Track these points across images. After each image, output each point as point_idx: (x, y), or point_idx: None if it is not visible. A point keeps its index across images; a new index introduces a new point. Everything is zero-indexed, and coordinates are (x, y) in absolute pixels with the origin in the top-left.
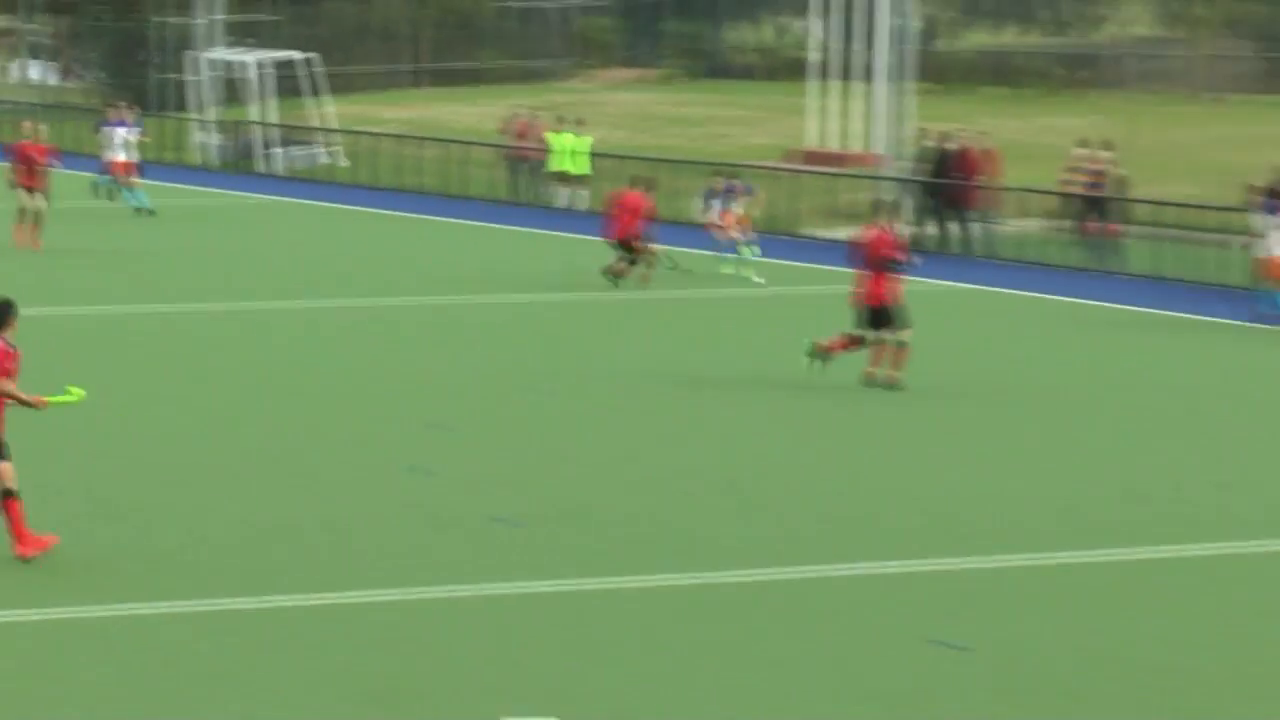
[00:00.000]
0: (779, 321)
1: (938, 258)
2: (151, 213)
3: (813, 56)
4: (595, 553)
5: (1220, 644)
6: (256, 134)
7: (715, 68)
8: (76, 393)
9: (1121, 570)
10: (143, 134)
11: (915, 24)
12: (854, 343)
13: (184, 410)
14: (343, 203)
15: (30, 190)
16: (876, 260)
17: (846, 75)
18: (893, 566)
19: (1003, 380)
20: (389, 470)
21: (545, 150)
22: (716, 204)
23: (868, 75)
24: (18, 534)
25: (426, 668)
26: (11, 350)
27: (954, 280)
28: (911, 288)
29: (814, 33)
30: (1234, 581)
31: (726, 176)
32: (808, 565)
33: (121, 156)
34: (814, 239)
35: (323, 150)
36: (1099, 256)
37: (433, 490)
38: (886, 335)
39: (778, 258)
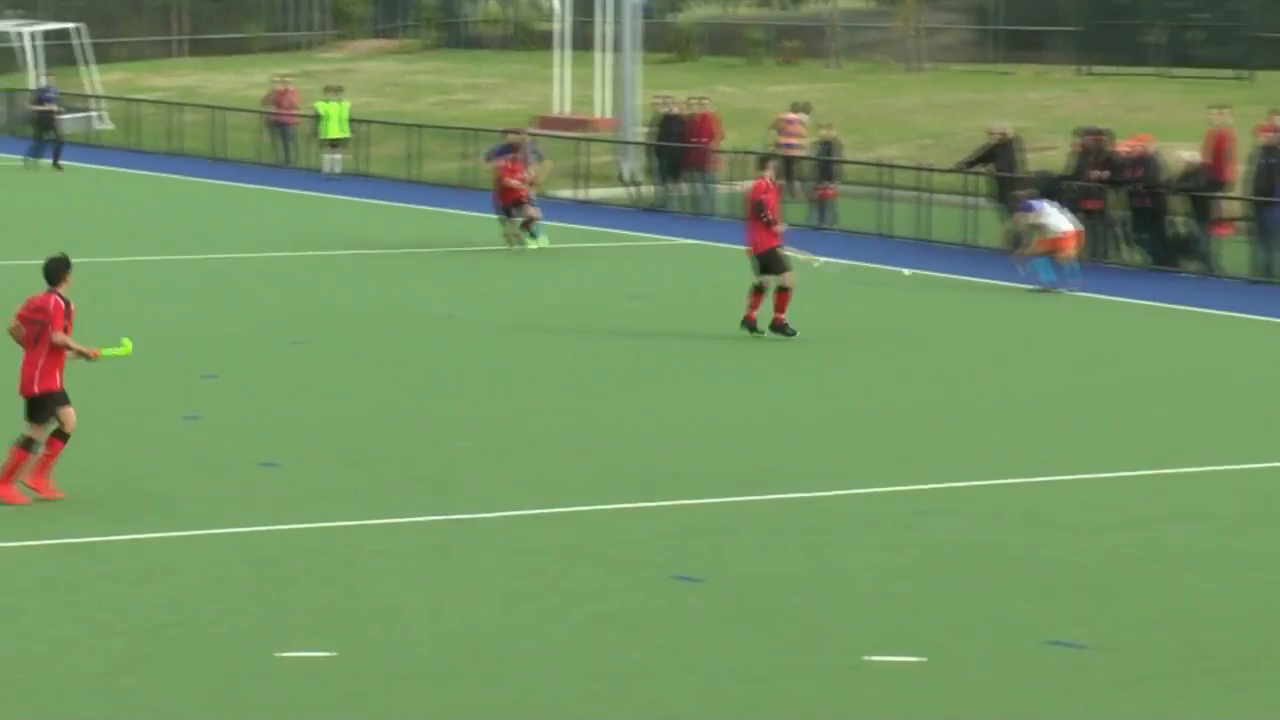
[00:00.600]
0: (539, 273)
1: (670, 216)
2: None
3: (555, 27)
4: (356, 492)
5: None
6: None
7: (463, 38)
8: (127, 344)
9: (845, 503)
10: None
11: None
12: (759, 294)
13: None
14: (112, 165)
15: None
16: (753, 208)
17: (585, 45)
18: (640, 505)
19: (734, 327)
20: (164, 418)
21: (306, 116)
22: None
23: (604, 45)
24: (41, 471)
25: (196, 602)
26: (67, 304)
27: (684, 236)
28: (652, 243)
29: (555, 5)
30: (944, 514)
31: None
32: (560, 506)
33: None
34: (561, 199)
35: (95, 115)
36: (817, 214)
37: (203, 436)
38: (770, 280)
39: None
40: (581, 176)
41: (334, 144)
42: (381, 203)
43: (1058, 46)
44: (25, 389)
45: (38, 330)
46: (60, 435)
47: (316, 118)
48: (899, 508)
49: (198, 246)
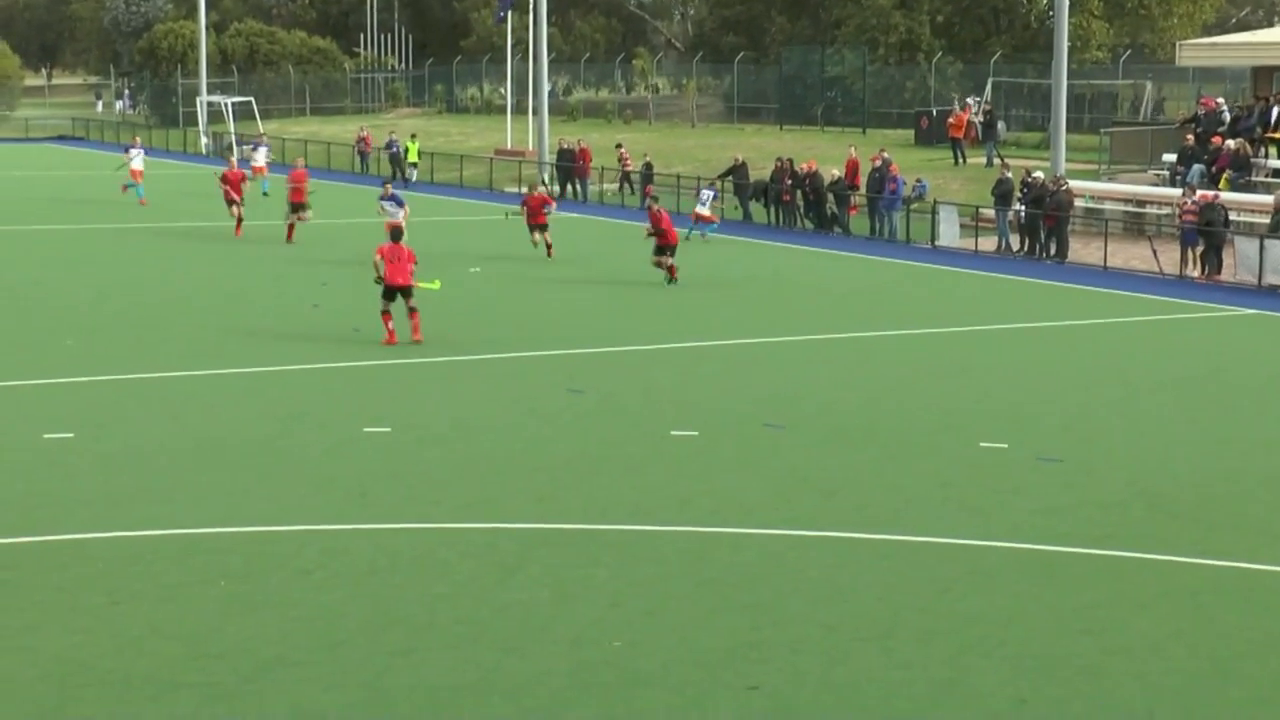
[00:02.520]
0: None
1: (565, 203)
2: None
3: (506, 102)
4: None
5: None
6: (229, 137)
7: (456, 107)
8: (437, 284)
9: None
10: None
11: None
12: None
13: None
14: (277, 171)
15: None
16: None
17: (522, 111)
18: None
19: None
20: None
21: (377, 148)
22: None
23: (532, 111)
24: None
25: None
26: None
27: (570, 213)
28: (559, 217)
29: (505, 92)
30: None
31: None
32: None
33: None
34: (510, 192)
35: (265, 147)
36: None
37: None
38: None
39: None
40: (519, 181)
41: (413, 165)
42: (441, 197)
43: (767, 114)
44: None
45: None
46: None
47: (405, 150)
48: None
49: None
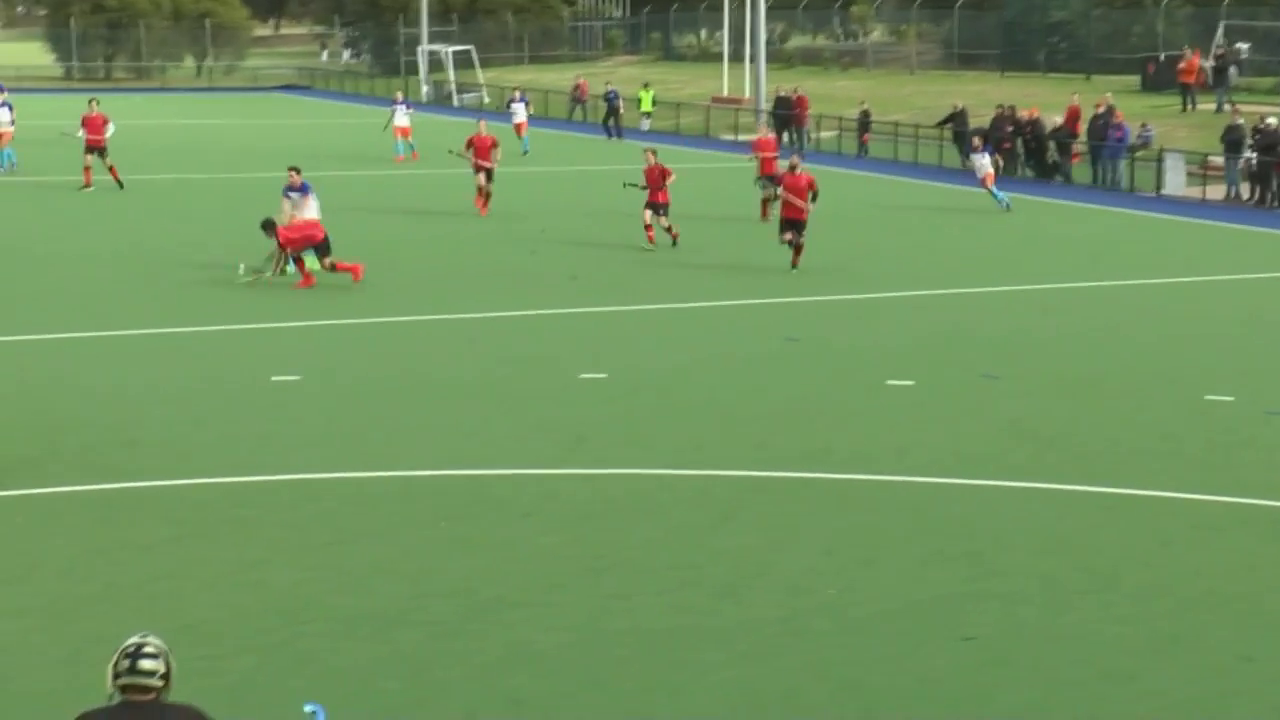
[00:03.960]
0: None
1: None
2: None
3: (723, 49)
4: None
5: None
6: (450, 86)
7: (673, 55)
8: None
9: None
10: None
11: None
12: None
13: None
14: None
15: None
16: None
17: (738, 59)
18: None
19: None
20: None
21: (594, 96)
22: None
23: (748, 59)
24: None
25: None
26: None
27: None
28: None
29: (723, 36)
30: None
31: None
32: None
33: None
34: (724, 140)
35: (481, 94)
36: (861, 150)
37: None
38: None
39: None
40: (735, 129)
41: (647, 114)
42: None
43: (988, 61)
44: None
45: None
46: None
47: (637, 100)
48: None
49: None
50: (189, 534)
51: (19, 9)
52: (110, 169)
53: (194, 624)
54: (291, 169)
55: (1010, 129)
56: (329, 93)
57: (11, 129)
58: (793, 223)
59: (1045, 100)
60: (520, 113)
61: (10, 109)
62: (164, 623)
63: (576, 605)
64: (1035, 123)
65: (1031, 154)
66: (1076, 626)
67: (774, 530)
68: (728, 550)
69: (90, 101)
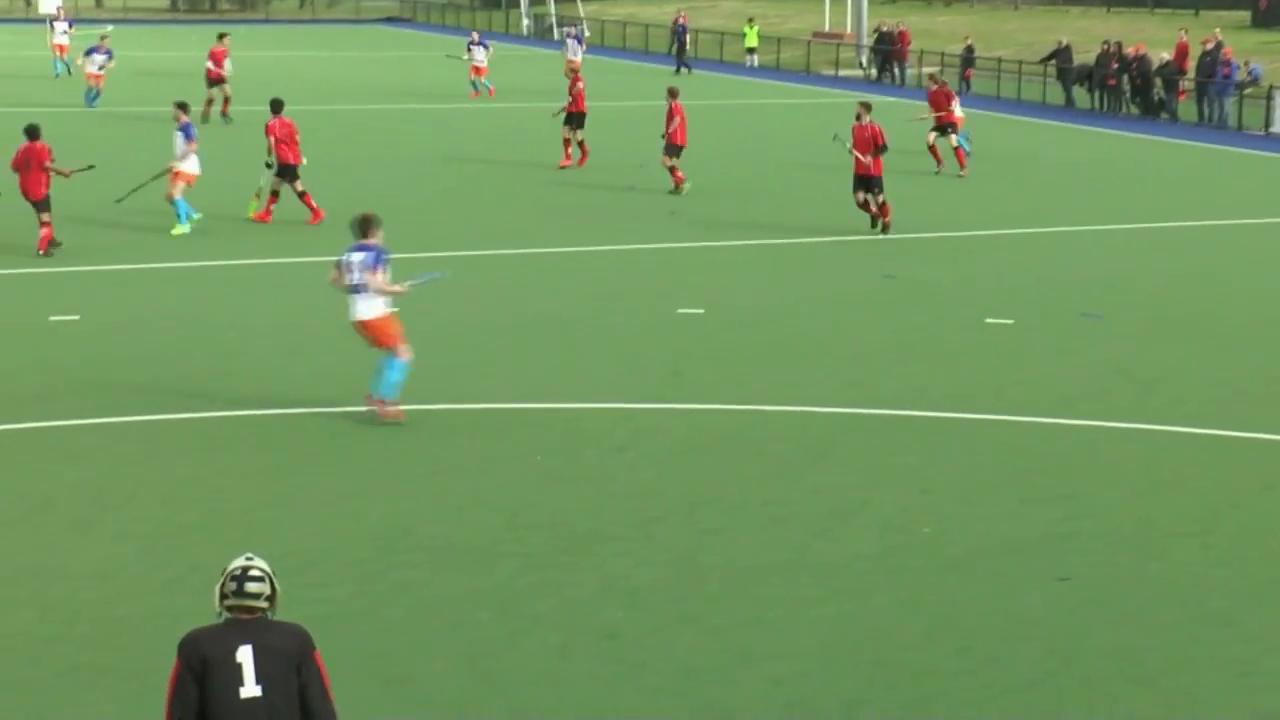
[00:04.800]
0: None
1: (882, 86)
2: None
3: None
4: None
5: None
6: (550, 20)
7: None
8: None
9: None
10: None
11: None
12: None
13: None
14: (590, 54)
15: None
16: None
17: None
18: None
19: None
20: None
21: (701, 29)
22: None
23: None
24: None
25: None
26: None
27: (889, 96)
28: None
29: None
30: None
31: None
32: None
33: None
34: (825, 75)
35: (583, 27)
36: (964, 87)
37: None
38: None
39: None
40: (835, 64)
41: (751, 50)
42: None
43: None
44: None
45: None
46: None
47: (742, 34)
48: None
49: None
50: (287, 463)
51: None
52: (225, 101)
53: (291, 553)
54: (177, 104)
55: (1116, 66)
56: (430, 25)
57: (101, 72)
58: (862, 180)
59: (1152, 36)
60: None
61: (109, 56)
62: (262, 551)
63: (671, 540)
64: (1142, 59)
65: (1137, 91)
66: (1173, 569)
67: (870, 468)
68: (823, 487)
69: (221, 37)
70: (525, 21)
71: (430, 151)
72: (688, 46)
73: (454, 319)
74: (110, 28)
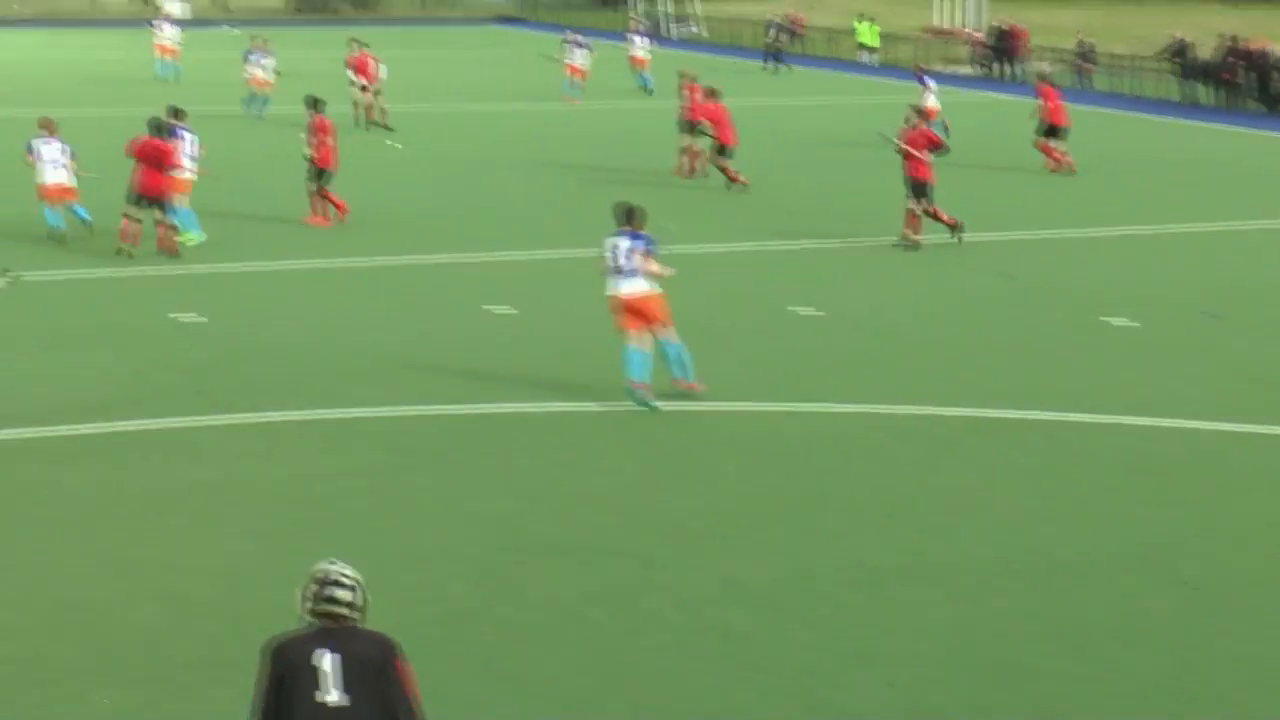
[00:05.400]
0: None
1: (996, 82)
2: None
3: None
4: None
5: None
6: (664, 17)
7: None
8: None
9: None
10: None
11: None
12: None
13: None
14: (705, 52)
15: None
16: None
17: None
18: None
19: None
20: None
21: (809, 28)
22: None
23: None
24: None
25: None
26: None
27: (1002, 92)
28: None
29: None
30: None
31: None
32: None
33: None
34: (935, 71)
35: (696, 25)
36: (1079, 79)
37: None
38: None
39: None
40: (947, 60)
41: (865, 48)
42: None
43: None
44: None
45: None
46: None
47: (852, 31)
48: None
49: None
50: (402, 462)
51: None
52: (369, 110)
53: (406, 550)
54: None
55: (1236, 60)
56: (544, 25)
57: (269, 78)
58: (911, 183)
59: (1274, 30)
60: (639, 45)
61: (267, 56)
62: (377, 549)
63: (789, 541)
64: (1263, 53)
65: (1260, 86)
66: None
67: (989, 469)
68: (942, 488)
69: (351, 43)
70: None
71: (537, 155)
72: (786, 43)
73: (564, 319)
74: (236, 30)
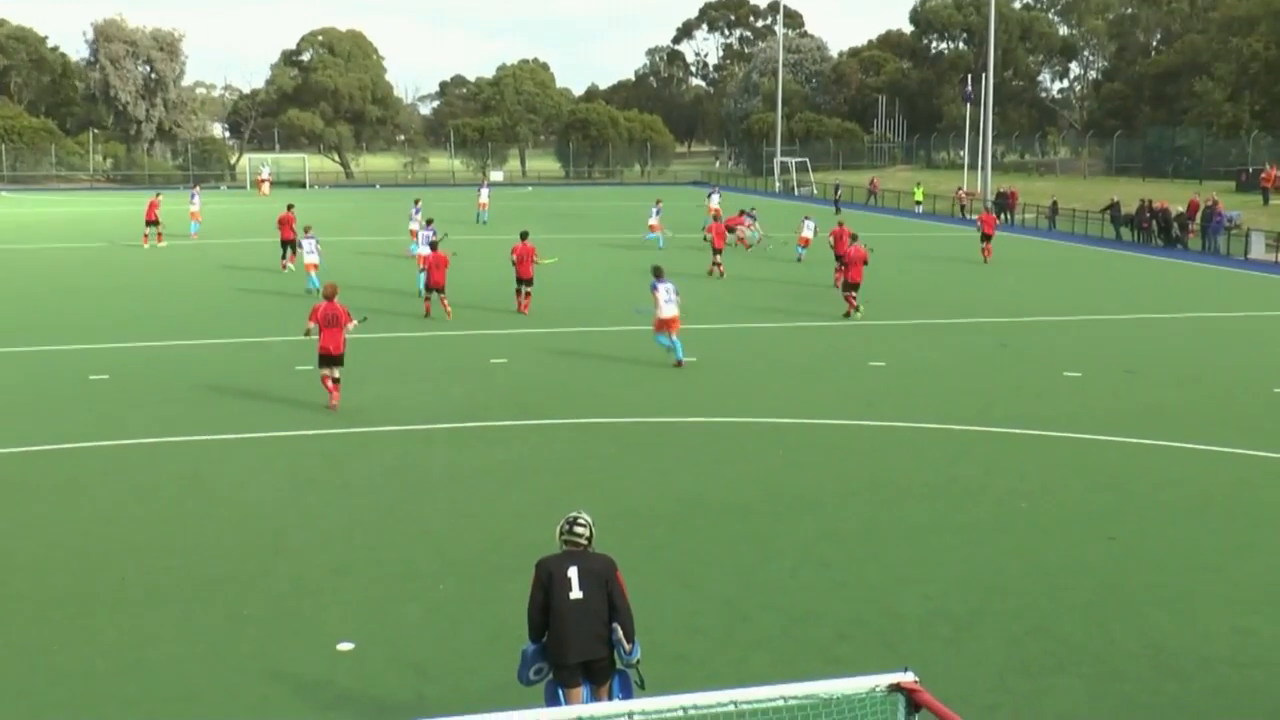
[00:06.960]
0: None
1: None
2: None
3: (963, 159)
4: None
5: None
6: (793, 181)
7: (931, 163)
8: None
9: None
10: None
11: None
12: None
13: None
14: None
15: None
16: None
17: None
18: None
19: None
20: None
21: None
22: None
23: (980, 167)
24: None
25: None
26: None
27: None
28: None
29: (963, 156)
30: None
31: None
32: None
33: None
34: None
35: (812, 186)
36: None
37: None
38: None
39: None
40: (970, 211)
41: (918, 201)
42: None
43: (1135, 170)
44: None
45: None
46: None
47: (912, 191)
48: None
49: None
50: (624, 451)
51: (540, 136)
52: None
53: (625, 509)
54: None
55: (1148, 214)
56: (719, 186)
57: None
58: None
59: (1172, 195)
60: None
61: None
62: (605, 506)
63: (860, 506)
64: (1165, 210)
65: (1162, 230)
66: None
67: (988, 464)
68: (958, 476)
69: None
70: (777, 183)
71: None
72: (874, 197)
73: (732, 364)
74: (530, 188)
